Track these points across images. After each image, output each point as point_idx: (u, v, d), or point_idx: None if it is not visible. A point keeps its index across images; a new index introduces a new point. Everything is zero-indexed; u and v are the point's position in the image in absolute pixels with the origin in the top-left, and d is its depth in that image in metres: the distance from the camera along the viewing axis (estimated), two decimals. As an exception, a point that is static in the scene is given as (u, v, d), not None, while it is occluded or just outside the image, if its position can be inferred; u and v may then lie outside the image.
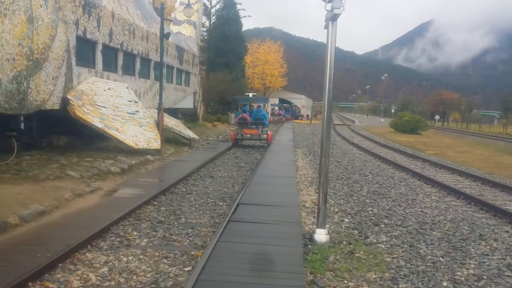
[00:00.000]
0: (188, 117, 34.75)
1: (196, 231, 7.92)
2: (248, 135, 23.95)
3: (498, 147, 33.97)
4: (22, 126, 14.28)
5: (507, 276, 6.37)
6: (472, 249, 7.55)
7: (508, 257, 7.17)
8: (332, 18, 7.32)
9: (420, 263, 6.80)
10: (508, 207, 11.01)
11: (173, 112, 27.94)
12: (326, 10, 7.39)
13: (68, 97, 15.02)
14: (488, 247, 7.73)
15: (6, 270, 5.53)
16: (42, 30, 13.41)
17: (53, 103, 14.56)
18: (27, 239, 6.82)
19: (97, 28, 17.84)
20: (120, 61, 20.45)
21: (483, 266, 6.74)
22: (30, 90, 12.95)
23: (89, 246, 6.74)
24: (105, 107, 16.39)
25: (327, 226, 7.85)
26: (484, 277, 6.31)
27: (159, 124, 18.15)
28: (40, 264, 5.65)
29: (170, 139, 21.13)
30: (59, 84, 14.78)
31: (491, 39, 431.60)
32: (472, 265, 6.77)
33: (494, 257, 7.17)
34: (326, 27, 7.51)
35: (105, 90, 17.40)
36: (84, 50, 17.22)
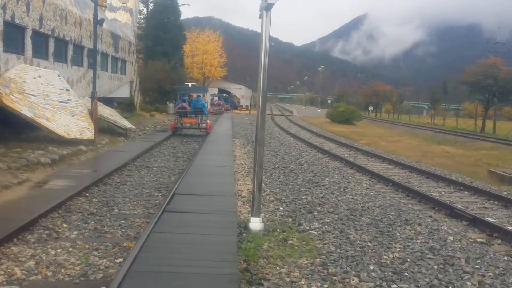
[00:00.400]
0: (125, 106, 33.87)
1: (130, 222, 7.79)
2: (188, 124, 24.25)
3: (426, 136, 35.77)
4: None
5: (429, 258, 6.75)
6: (398, 234, 7.93)
7: (430, 241, 7.59)
8: (266, 7, 7.38)
9: (349, 248, 7.06)
10: (432, 193, 11.66)
11: (109, 101, 27.17)
12: (261, -1, 7.44)
13: (-6, 84, 14.26)
14: (413, 231, 8.15)
15: None
16: (-37, 12, 12.63)
17: (-23, 91, 13.78)
18: None
19: (26, 13, 17.01)
20: (51, 48, 19.61)
21: (408, 250, 7.10)
22: (-51, 76, 12.19)
23: (15, 240, 6.45)
24: (34, 96, 15.68)
25: (262, 214, 7.96)
26: (408, 259, 6.64)
27: (93, 114, 17.59)
28: (-40, 260, 5.35)
29: (105, 129, 20.55)
30: (-17, 70, 14.00)
31: (422, 33, 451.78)
32: (398, 249, 7.11)
33: (418, 241, 7.56)
34: (261, 16, 7.56)
35: (35, 78, 16.64)
36: (12, 36, 16.40)
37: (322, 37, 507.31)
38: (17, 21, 16.32)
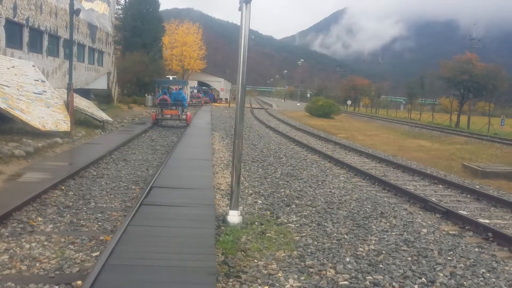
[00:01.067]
0: (102, 98, 33.39)
1: (106, 216, 7.72)
2: (168, 116, 25.16)
3: (402, 131, 36.25)
4: None
5: (403, 250, 6.87)
6: (373, 226, 8.04)
7: (405, 233, 7.72)
8: (246, 0, 7.36)
9: (326, 240, 7.14)
10: (407, 187, 11.85)
11: (85, 93, 26.76)
12: (240, -9, 7.40)
13: (-35, 74, 13.91)
14: (388, 224, 8.28)
15: None
16: None
17: None
18: None
19: (-1, 1, 16.60)
20: (25, 38, 19.20)
21: (383, 242, 7.21)
22: None
23: (-13, 234, 6.34)
24: (8, 86, 15.34)
25: (241, 207, 7.99)
26: (383, 251, 6.75)
27: (69, 105, 17.32)
28: None
29: (81, 121, 20.27)
30: (-45, 60, 13.63)
31: (400, 28, 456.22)
32: (373, 241, 7.22)
33: (392, 233, 7.69)
34: (240, 9, 7.54)
35: (8, 68, 16.28)
36: (-16, 25, 15.99)
37: (302, 30, 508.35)
38: (-10, 10, 15.95)
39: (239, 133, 7.90)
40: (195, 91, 60.51)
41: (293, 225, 7.92)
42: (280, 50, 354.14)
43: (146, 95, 43.54)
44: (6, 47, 17.46)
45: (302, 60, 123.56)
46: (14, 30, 18.27)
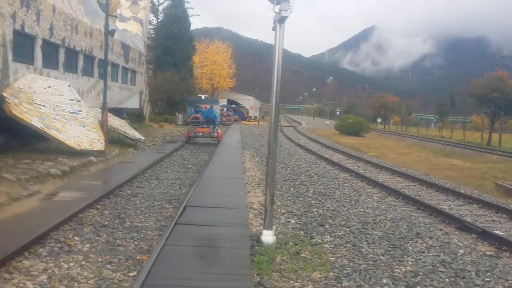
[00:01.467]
0: (134, 117, 34.00)
1: (142, 235, 7.76)
2: (200, 133, 26.13)
3: (434, 149, 35.56)
4: None
5: (441, 271, 6.73)
6: (409, 247, 7.87)
7: (441, 254, 7.56)
8: (280, 20, 7.39)
9: (362, 261, 7.00)
10: (442, 207, 11.58)
11: (118, 112, 27.28)
12: (274, 12, 7.45)
13: (4, 94, 14.32)
14: (424, 244, 8.10)
15: None
16: (-25, 23, 12.74)
17: (-13, 101, 13.86)
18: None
19: (37, 22, 17.13)
20: (61, 58, 19.73)
21: (419, 263, 7.06)
22: (-39, 87, 12.28)
23: (26, 253, 6.42)
24: (44, 106, 15.75)
25: (274, 227, 7.92)
26: (420, 273, 6.62)
27: (103, 124, 17.66)
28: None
29: (115, 140, 20.61)
30: (-6, 81, 14.09)
31: (430, 45, 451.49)
32: (410, 262, 7.07)
33: (429, 254, 7.53)
34: (274, 29, 7.58)
35: (45, 88, 16.73)
36: (22, 45, 16.49)
37: (331, 48, 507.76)
38: (27, 30, 16.44)
39: (273, 153, 7.87)
40: (225, 109, 60.99)
41: (328, 246, 7.80)
42: (309, 67, 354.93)
43: (176, 113, 44.10)
44: (43, 67, 17.96)
45: (332, 77, 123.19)
46: (50, 51, 18.80)
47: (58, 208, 9.06)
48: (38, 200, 9.75)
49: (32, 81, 16.33)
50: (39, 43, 17.48)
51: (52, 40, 18.53)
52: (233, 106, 69.26)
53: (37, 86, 16.37)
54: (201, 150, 23.13)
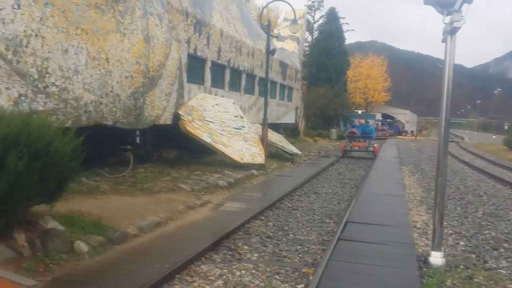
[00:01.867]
0: (289, 132, 35.00)
1: (305, 248, 7.86)
2: (357, 148, 26.76)
3: None
4: (137, 140, 15.21)
5: None
6: None
7: None
8: (451, 31, 6.98)
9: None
10: None
11: (275, 127, 28.34)
12: (444, 23, 7.06)
13: (180, 112, 15.84)
14: None
15: (128, 279, 5.83)
16: (157, 48, 14.31)
17: (166, 118, 15.43)
18: (146, 250, 7.16)
19: (207, 46, 18.65)
20: (227, 78, 21.19)
21: None
22: (145, 105, 13.85)
23: (203, 259, 6.93)
24: (213, 122, 17.02)
25: (442, 248, 7.42)
26: None
27: (263, 139, 18.46)
28: (159, 274, 5.85)
29: (273, 154, 21.38)
30: (172, 100, 15.65)
31: None
32: None
33: None
34: (444, 41, 7.18)
35: (213, 106, 18.09)
36: (194, 67, 18.05)
37: (497, 57, 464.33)
38: (198, 54, 17.96)
39: (442, 170, 7.41)
40: (380, 123, 59.45)
41: (505, 271, 7.07)
42: (472, 79, 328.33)
43: (330, 128, 44.26)
44: (211, 87, 19.46)
45: (499, 89, 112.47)
46: (217, 71, 20.30)
47: (226, 217, 9.65)
48: (209, 209, 10.51)
49: (202, 99, 17.80)
50: (208, 64, 19.01)
51: (219, 61, 20.01)
52: (387, 120, 67.16)
53: (207, 104, 17.79)
54: (357, 165, 22.79)
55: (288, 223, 9.68)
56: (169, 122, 15.63)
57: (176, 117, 15.72)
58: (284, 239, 8.38)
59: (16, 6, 9.08)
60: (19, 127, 6.26)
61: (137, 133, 14.99)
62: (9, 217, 6.29)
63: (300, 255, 7.46)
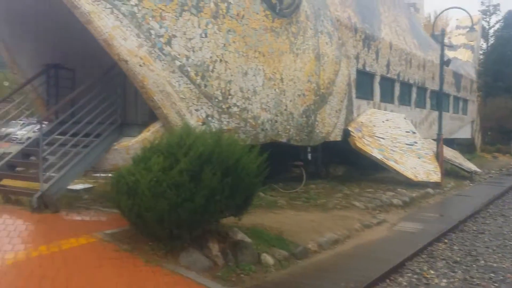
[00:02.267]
0: (464, 147, 32.34)
1: (501, 277, 7.11)
2: None
3: None
4: (309, 156, 15.45)
5: None
6: None
7: None
8: None
9: None
10: None
11: (449, 143, 26.41)
12: None
13: (349, 128, 15.71)
14: None
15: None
16: (328, 66, 14.43)
17: (336, 135, 15.41)
18: (328, 267, 7.12)
19: (376, 60, 18.27)
20: (396, 92, 20.48)
21: None
22: (317, 122, 14.02)
23: (387, 280, 6.69)
24: (383, 138, 16.54)
25: None
26: None
27: (438, 156, 17.38)
28: (344, 292, 5.80)
29: (448, 171, 19.94)
30: (341, 116, 15.60)
31: None
32: None
33: None
34: None
35: (383, 122, 17.60)
36: (363, 83, 17.79)
37: None
38: (367, 69, 17.66)
39: None
40: None
41: None
42: None
43: (511, 143, 39.98)
44: (380, 102, 18.95)
45: None
46: (386, 86, 19.69)
47: (406, 238, 9.21)
48: (386, 228, 10.13)
49: (372, 115, 17.44)
50: (377, 79, 18.60)
51: (388, 75, 19.44)
52: None
53: (376, 119, 17.37)
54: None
55: (475, 248, 8.88)
56: (339, 138, 15.60)
57: (346, 133, 15.62)
58: (474, 265, 7.69)
59: (203, 35, 9.96)
60: (212, 145, 6.80)
61: (309, 149, 15.22)
62: (204, 228, 6.84)
63: (496, 284, 6.77)
